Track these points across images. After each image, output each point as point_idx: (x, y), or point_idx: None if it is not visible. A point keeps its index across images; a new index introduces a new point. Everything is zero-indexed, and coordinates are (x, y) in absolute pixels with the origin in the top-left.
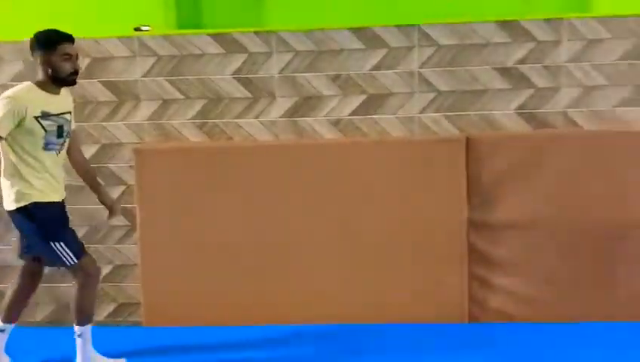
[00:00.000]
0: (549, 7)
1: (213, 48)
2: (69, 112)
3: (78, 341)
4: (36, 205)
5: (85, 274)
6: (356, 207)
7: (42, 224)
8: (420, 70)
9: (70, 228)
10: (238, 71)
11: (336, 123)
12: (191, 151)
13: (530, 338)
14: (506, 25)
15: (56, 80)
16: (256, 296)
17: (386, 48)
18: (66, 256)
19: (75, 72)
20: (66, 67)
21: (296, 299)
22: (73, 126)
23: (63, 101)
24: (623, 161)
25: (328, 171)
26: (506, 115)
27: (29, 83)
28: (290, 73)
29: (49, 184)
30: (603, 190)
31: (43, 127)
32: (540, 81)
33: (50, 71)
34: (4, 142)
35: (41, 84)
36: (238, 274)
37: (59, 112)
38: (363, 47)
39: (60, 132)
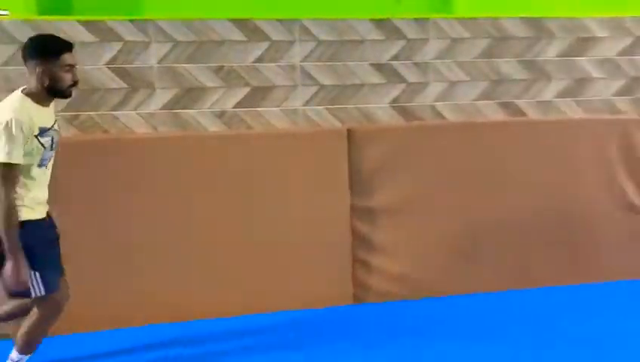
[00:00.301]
0: (417, 8)
1: (86, 36)
2: (56, 121)
3: None
4: (23, 225)
5: (50, 308)
6: (244, 199)
7: (24, 247)
8: (302, 64)
9: (53, 252)
10: (113, 60)
11: (220, 115)
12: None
13: (409, 314)
14: (380, 23)
15: (54, 92)
16: (152, 293)
17: (268, 41)
18: (36, 287)
19: (75, 84)
20: (67, 79)
21: (201, 292)
22: None
23: (52, 111)
24: (484, 149)
25: (212, 164)
26: (381, 108)
27: (19, 95)
28: (171, 64)
29: (36, 201)
30: (468, 176)
31: (42, 145)
32: (411, 77)
33: (47, 82)
34: None
35: (33, 96)
36: (136, 271)
37: (52, 125)
38: (245, 39)
39: (52, 145)
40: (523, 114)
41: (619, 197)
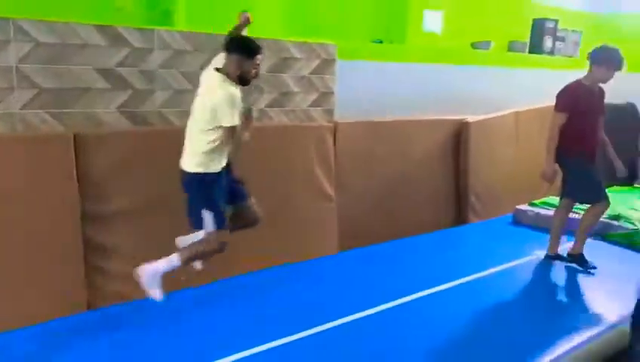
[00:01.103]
0: (139, 18)
1: None
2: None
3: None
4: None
5: (213, 241)
6: None
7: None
8: (19, 65)
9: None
10: None
11: None
12: None
13: (146, 315)
14: (104, 29)
15: (242, 81)
16: None
17: None
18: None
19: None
20: (252, 74)
21: None
22: None
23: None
24: None
25: None
26: (108, 113)
27: (223, 77)
28: None
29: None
30: None
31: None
32: (138, 83)
33: (239, 73)
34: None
35: (232, 80)
36: None
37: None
38: None
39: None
40: None
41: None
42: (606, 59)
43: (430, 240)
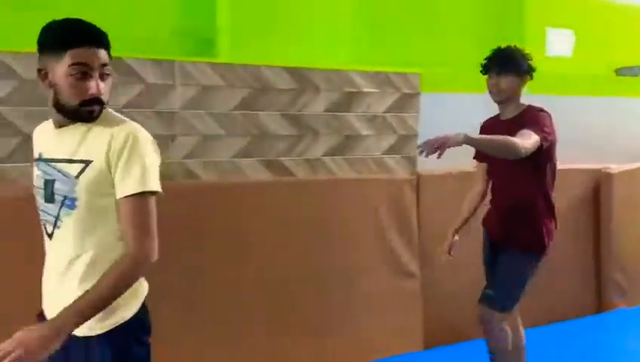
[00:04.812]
0: (171, 50)
1: None
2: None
3: None
4: None
5: None
6: None
7: None
8: None
9: None
10: None
11: None
12: None
13: None
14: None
15: (65, 110)
16: None
17: None
18: None
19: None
20: (94, 90)
21: None
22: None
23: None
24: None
25: None
26: None
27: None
28: None
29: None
30: (226, 241)
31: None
32: (154, 127)
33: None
34: None
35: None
36: None
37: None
38: None
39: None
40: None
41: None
42: None
43: (557, 334)
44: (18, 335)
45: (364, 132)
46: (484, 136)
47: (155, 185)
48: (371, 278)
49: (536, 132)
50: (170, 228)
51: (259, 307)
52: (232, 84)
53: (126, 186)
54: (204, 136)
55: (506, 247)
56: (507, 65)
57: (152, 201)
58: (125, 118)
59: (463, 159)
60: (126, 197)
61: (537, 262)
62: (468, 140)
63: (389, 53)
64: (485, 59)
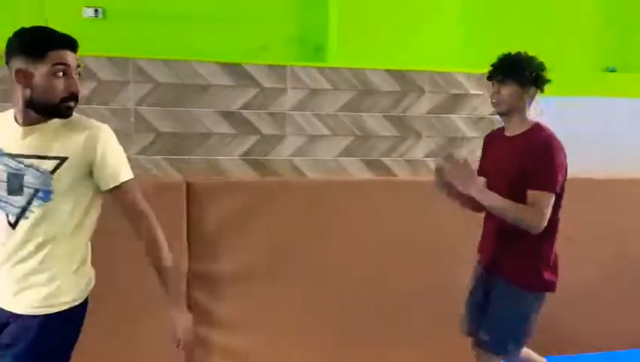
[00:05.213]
0: (286, 57)
1: None
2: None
3: None
4: None
5: None
6: None
7: None
8: (137, 108)
9: None
10: None
11: None
12: None
13: None
14: (229, 67)
15: (38, 107)
16: None
17: (96, 81)
18: None
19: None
20: (63, 89)
21: None
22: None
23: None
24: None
25: None
26: (231, 160)
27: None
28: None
29: None
30: (333, 237)
31: None
32: (266, 128)
33: (28, 92)
34: None
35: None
36: None
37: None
38: None
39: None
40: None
41: None
42: None
43: None
44: (180, 323)
45: (470, 134)
46: (497, 197)
47: (131, 173)
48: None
49: (549, 190)
50: (280, 221)
51: (367, 304)
52: (338, 86)
53: (114, 177)
54: (310, 136)
55: (499, 279)
56: (509, 72)
57: (136, 184)
58: (89, 118)
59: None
60: (116, 186)
61: (539, 300)
62: (479, 195)
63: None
64: (491, 65)
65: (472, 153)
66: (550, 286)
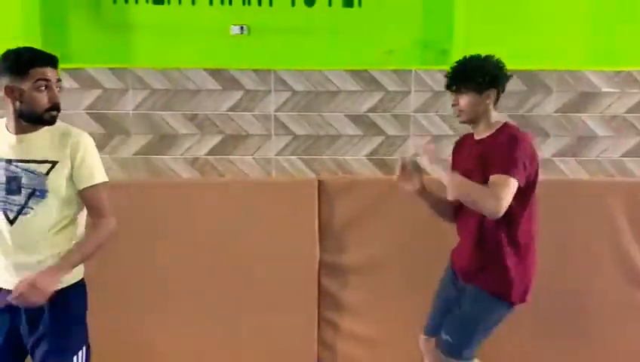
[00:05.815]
0: (412, 61)
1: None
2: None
3: None
4: None
5: None
6: (213, 247)
7: None
8: (276, 114)
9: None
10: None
11: (192, 162)
12: None
13: None
14: (358, 74)
15: (30, 118)
16: None
17: (242, 90)
18: None
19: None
20: (46, 101)
21: None
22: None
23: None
24: None
25: (185, 210)
26: (357, 159)
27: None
28: (146, 110)
29: None
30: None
31: None
32: (390, 129)
33: (19, 106)
34: None
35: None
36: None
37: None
38: (219, 88)
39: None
40: None
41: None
42: None
43: None
44: (31, 276)
45: (601, 133)
46: (462, 178)
47: (105, 176)
48: (604, 286)
49: (509, 173)
50: (402, 215)
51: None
52: None
53: (90, 178)
54: (434, 137)
55: (469, 284)
56: (462, 82)
57: (106, 187)
58: (71, 126)
59: None
60: (91, 186)
61: (507, 311)
62: (447, 174)
63: (631, 50)
64: (445, 75)
65: (602, 152)
66: (522, 298)
